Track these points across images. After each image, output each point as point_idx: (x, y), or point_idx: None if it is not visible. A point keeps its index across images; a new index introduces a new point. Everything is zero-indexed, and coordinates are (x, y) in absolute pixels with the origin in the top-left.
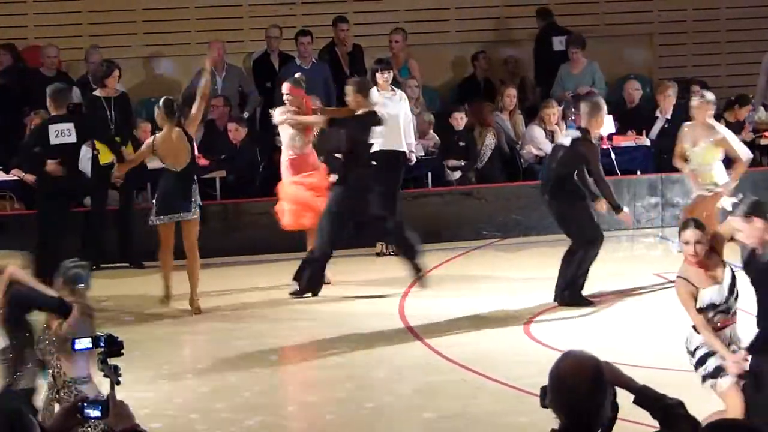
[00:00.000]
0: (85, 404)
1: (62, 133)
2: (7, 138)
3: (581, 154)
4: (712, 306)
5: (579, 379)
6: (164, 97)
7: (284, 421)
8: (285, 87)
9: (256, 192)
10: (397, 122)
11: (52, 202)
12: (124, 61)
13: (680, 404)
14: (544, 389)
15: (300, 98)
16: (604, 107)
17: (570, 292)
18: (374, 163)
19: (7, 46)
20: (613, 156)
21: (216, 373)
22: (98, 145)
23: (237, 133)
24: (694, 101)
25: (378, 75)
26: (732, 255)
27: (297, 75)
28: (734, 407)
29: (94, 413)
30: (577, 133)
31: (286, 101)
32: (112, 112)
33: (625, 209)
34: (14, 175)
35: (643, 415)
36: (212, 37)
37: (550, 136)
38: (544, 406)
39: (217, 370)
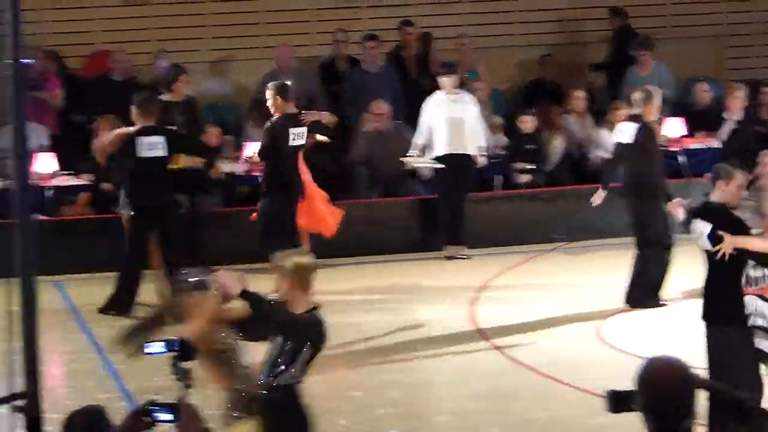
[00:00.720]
0: (155, 407)
1: (153, 146)
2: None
3: (640, 141)
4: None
5: (671, 382)
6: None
7: (362, 425)
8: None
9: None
10: (461, 126)
11: (139, 216)
12: (193, 65)
13: (755, 399)
14: (613, 394)
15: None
16: (658, 94)
17: (641, 294)
18: (441, 166)
19: (51, 53)
20: (683, 158)
21: None
22: None
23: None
24: None
25: (445, 78)
26: None
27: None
28: None
29: (164, 416)
30: (635, 125)
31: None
32: (179, 117)
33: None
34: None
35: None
36: (280, 41)
37: None
38: (614, 410)
39: None
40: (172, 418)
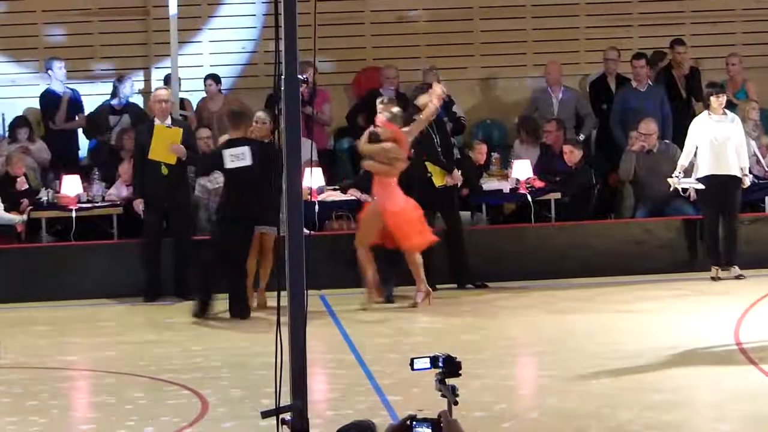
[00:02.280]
0: (415, 422)
1: (237, 157)
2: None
3: None
4: None
5: None
6: None
7: None
8: (379, 119)
9: (590, 214)
10: (726, 147)
11: (229, 226)
12: (460, 83)
13: None
14: None
15: (392, 132)
16: None
17: None
18: (702, 187)
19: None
20: None
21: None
22: (431, 168)
23: (572, 155)
24: None
25: (713, 98)
26: None
27: (395, 110)
28: None
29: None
30: None
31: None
32: (437, 135)
33: None
34: (351, 194)
35: None
36: (548, 59)
37: None
38: None
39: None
40: None
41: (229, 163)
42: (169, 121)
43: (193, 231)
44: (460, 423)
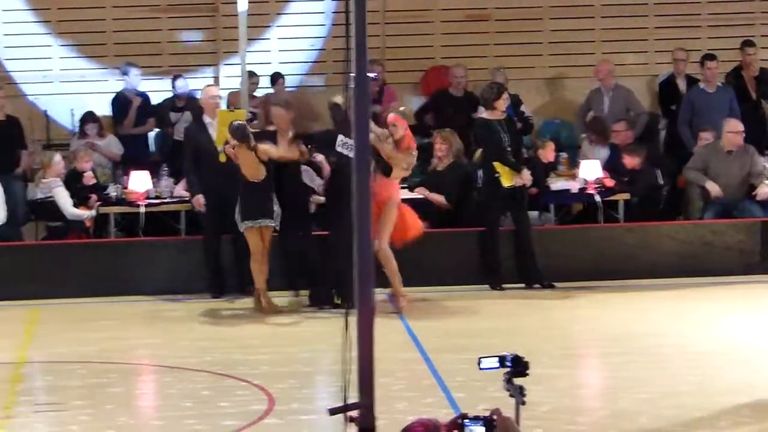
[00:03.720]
0: (468, 420)
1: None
2: None
3: None
4: None
5: None
6: None
7: None
8: (391, 116)
9: (659, 215)
10: None
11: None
12: (528, 82)
13: None
14: None
15: (403, 129)
16: None
17: None
18: None
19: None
20: None
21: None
22: (499, 168)
23: (631, 161)
24: None
25: None
26: None
27: (402, 108)
28: None
29: (477, 430)
30: None
31: (390, 131)
32: (506, 135)
33: None
34: (419, 193)
35: None
36: (616, 59)
37: None
38: None
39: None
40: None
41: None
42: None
43: None
44: (514, 421)
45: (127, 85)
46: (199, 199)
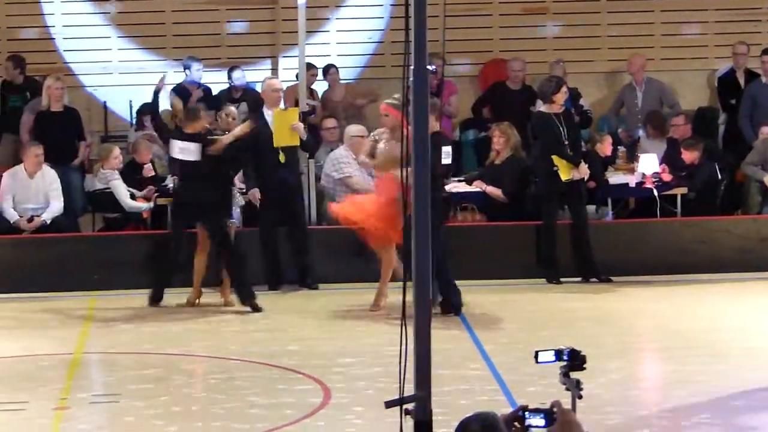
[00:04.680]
0: (528, 413)
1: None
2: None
3: None
4: None
5: None
6: None
7: None
8: (382, 107)
9: (717, 209)
10: None
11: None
12: (587, 76)
13: None
14: None
15: (396, 119)
16: None
17: None
18: None
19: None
20: None
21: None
22: (557, 162)
23: (690, 155)
24: None
25: None
26: None
27: (396, 96)
28: None
29: (537, 422)
30: None
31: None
32: (564, 128)
33: None
34: (476, 186)
35: None
36: (675, 54)
37: None
38: None
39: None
40: (545, 424)
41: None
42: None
43: (308, 218)
44: (574, 413)
45: (188, 78)
46: (255, 193)
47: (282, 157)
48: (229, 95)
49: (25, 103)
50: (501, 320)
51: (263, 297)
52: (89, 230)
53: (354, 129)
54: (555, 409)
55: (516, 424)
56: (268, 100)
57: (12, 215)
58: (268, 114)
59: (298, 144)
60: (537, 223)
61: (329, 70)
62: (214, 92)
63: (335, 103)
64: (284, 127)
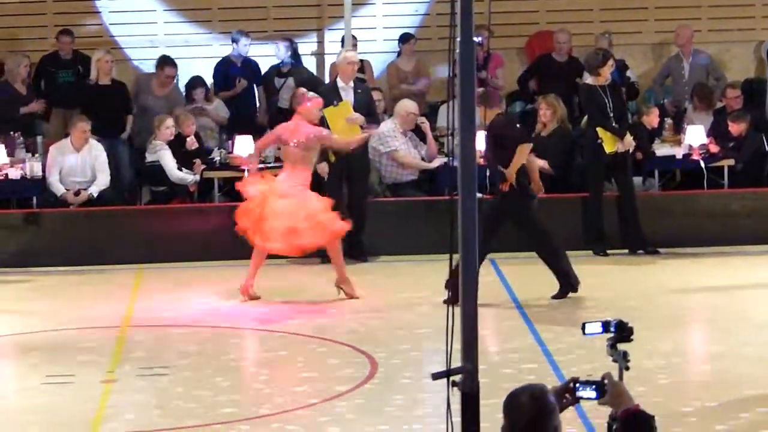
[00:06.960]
0: (579, 385)
1: None
2: None
3: None
4: None
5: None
6: None
7: None
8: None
9: (764, 181)
10: None
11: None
12: (634, 47)
13: None
14: None
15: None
16: None
17: None
18: None
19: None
20: None
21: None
22: (601, 134)
23: (737, 127)
24: None
25: None
26: None
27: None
28: None
29: (589, 394)
30: None
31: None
32: (610, 100)
33: None
34: None
35: None
36: (722, 25)
37: None
38: None
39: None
40: (596, 396)
41: None
42: (351, 84)
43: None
44: (624, 385)
45: (234, 51)
46: (323, 167)
47: (331, 157)
48: (277, 70)
49: (76, 78)
50: (548, 293)
51: (315, 270)
52: (137, 204)
53: (410, 105)
54: (606, 381)
55: (567, 395)
56: (343, 73)
57: (58, 188)
58: (342, 86)
59: (358, 133)
60: (584, 195)
61: (408, 39)
62: (263, 67)
63: (405, 73)
64: (340, 121)
